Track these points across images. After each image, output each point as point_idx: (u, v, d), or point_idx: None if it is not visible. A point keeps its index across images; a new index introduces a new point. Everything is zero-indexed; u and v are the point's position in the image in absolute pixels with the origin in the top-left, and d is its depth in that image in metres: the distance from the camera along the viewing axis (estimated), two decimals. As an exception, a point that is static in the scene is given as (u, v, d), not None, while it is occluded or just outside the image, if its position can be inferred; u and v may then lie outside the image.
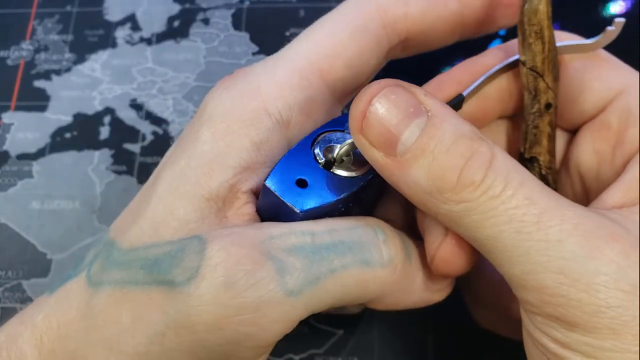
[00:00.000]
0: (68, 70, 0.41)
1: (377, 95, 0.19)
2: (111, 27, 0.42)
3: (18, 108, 0.40)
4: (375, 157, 0.20)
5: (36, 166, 0.38)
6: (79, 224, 0.37)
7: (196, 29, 0.42)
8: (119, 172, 0.38)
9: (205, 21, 0.42)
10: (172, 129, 0.39)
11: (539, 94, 0.22)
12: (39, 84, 0.41)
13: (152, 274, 0.20)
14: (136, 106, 0.40)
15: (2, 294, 0.35)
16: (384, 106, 0.19)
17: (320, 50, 0.23)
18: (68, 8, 0.43)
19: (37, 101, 0.40)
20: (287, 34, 0.41)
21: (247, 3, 0.43)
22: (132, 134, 0.39)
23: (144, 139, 0.39)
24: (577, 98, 0.23)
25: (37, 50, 0.42)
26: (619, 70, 0.22)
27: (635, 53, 0.38)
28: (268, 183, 0.21)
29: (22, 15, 0.43)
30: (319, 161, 0.22)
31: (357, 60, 0.23)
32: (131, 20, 0.42)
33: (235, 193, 0.22)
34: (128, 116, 0.39)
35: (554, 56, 0.22)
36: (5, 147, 0.39)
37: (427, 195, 0.19)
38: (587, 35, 0.24)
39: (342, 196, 0.22)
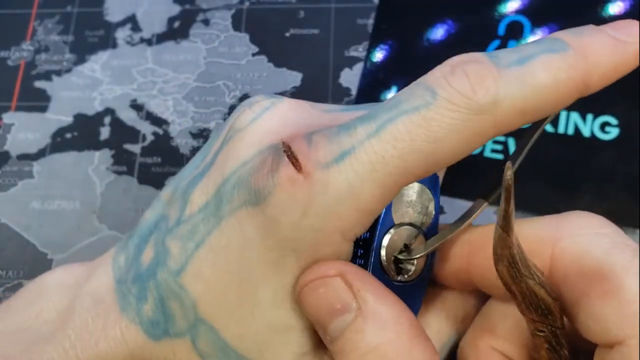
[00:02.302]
0: (68, 70, 0.41)
1: (311, 285, 0.20)
2: (111, 27, 0.42)
3: (18, 108, 0.40)
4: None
5: (37, 166, 0.38)
6: (79, 224, 0.37)
7: (196, 29, 0.42)
8: (119, 173, 0.38)
9: (206, 22, 0.42)
10: (172, 130, 0.39)
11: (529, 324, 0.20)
12: (39, 84, 0.41)
13: None
14: (136, 107, 0.40)
15: (2, 294, 0.35)
16: (314, 295, 0.20)
17: (412, 171, 0.19)
18: (68, 9, 0.43)
19: (37, 102, 0.40)
20: (287, 34, 0.42)
21: (247, 4, 0.43)
22: (133, 134, 0.39)
23: (144, 139, 0.39)
24: (577, 329, 0.20)
25: (37, 51, 0.42)
26: (621, 312, 0.18)
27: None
28: None
29: (22, 16, 0.43)
30: (394, 276, 0.22)
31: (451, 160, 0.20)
32: (131, 21, 0.42)
33: None
34: (128, 117, 0.39)
35: (533, 299, 0.19)
36: (5, 148, 0.39)
37: None
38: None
39: (421, 301, 0.22)
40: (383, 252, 0.21)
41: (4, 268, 0.36)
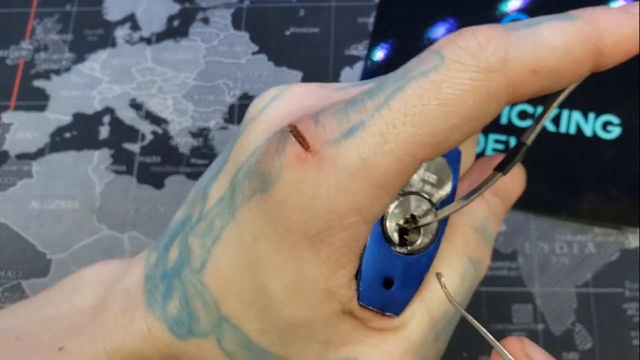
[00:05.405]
0: (67, 69, 0.41)
1: None
2: (111, 26, 0.42)
3: (17, 108, 0.40)
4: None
5: (36, 166, 0.38)
6: (78, 224, 0.37)
7: (196, 28, 0.42)
8: (118, 172, 0.38)
9: (205, 20, 0.42)
10: (172, 129, 0.39)
11: None
12: (38, 83, 0.41)
13: None
14: (136, 106, 0.40)
15: (1, 294, 0.35)
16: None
17: (426, 139, 0.18)
18: (68, 7, 0.43)
19: (36, 101, 0.40)
20: (287, 33, 0.41)
21: (247, 2, 0.43)
22: (132, 133, 0.39)
23: (143, 138, 0.39)
24: None
25: (36, 50, 0.42)
26: None
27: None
28: (363, 301, 0.20)
29: (21, 15, 0.43)
30: (396, 247, 0.21)
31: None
32: (131, 20, 0.42)
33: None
34: (127, 116, 0.39)
35: None
36: (4, 147, 0.39)
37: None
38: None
39: (423, 277, 0.21)
40: (387, 219, 0.20)
41: (3, 268, 0.36)
